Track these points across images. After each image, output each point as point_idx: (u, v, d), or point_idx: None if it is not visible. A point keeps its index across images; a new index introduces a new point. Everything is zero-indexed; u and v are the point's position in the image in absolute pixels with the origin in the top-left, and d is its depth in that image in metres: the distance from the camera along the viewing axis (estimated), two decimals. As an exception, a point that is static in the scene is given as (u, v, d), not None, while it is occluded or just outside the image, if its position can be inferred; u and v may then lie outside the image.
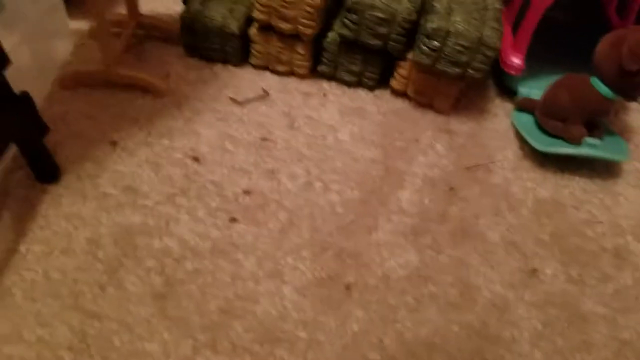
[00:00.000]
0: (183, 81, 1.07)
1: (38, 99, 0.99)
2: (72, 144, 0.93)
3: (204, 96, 1.04)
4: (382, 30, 0.97)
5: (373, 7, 0.94)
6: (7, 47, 0.76)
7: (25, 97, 0.79)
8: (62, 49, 1.10)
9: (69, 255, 0.79)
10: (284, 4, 0.97)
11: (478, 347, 0.74)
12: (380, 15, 0.95)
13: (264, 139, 0.99)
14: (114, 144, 0.94)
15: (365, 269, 0.81)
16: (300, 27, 1.00)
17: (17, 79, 0.76)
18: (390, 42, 0.99)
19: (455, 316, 0.77)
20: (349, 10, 0.96)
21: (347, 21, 0.98)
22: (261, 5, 0.99)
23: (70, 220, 0.83)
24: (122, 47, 1.02)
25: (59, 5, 1.08)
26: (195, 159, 0.94)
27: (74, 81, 0.96)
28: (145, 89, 1.01)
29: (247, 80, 1.10)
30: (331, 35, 1.04)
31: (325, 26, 1.04)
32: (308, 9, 0.97)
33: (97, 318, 0.72)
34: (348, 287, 0.78)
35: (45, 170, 0.87)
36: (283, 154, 0.97)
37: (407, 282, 0.80)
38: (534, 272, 0.84)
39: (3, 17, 0.97)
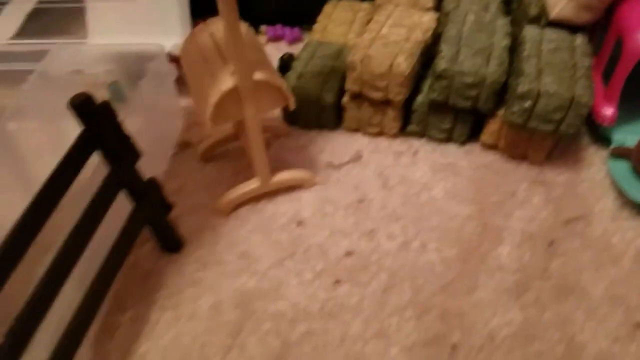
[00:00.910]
0: (284, 150, 1.15)
1: (157, 175, 1.12)
2: (191, 215, 1.04)
3: (302, 162, 1.12)
4: (472, 93, 1.01)
5: (462, 73, 0.99)
6: (132, 133, 0.88)
7: (154, 183, 0.90)
8: (175, 126, 1.23)
9: (195, 321, 0.87)
10: (375, 76, 1.04)
11: (591, 408, 0.75)
12: (469, 80, 0.99)
13: (361, 201, 1.05)
14: (228, 212, 1.04)
15: (470, 328, 0.83)
16: (391, 94, 1.06)
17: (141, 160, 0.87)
18: (480, 103, 1.03)
19: (564, 376, 0.78)
20: (439, 77, 1.01)
21: (436, 87, 1.03)
22: (353, 78, 1.06)
23: (194, 287, 0.92)
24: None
25: (171, 86, 1.22)
26: (299, 223, 1.01)
27: (234, 206, 1.04)
28: (299, 187, 1.07)
29: (341, 143, 1.17)
30: (420, 99, 1.09)
31: (414, 89, 1.10)
32: (397, 79, 1.03)
33: (225, 380, 0.80)
34: (454, 348, 0.81)
35: (169, 242, 0.98)
36: (380, 214, 1.02)
37: (512, 341, 0.82)
38: (638, 325, 0.83)
39: (126, 106, 1.11)
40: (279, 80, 0.89)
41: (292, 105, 0.91)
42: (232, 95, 0.87)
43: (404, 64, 1.02)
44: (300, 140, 1.18)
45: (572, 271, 0.90)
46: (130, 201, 0.88)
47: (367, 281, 0.91)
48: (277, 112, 1.23)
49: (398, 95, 1.06)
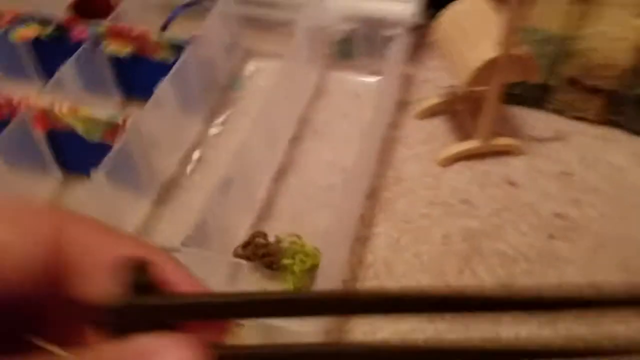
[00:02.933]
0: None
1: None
2: (413, 163, 1.23)
3: (507, 133, 1.28)
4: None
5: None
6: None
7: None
8: (398, 87, 1.41)
9: (430, 245, 1.07)
10: (598, 66, 1.18)
11: None
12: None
13: (564, 173, 1.20)
14: (446, 165, 1.22)
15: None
16: (607, 84, 1.20)
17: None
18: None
19: None
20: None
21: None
22: (575, 65, 1.21)
23: (425, 219, 1.12)
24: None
25: (404, 51, 1.39)
26: (511, 184, 1.18)
27: (453, 160, 1.21)
28: (509, 153, 1.23)
29: (543, 121, 1.32)
30: (634, 92, 1.22)
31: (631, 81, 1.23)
32: (620, 70, 1.16)
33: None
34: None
35: (404, 180, 1.17)
36: (582, 186, 1.17)
37: None
38: None
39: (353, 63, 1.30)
40: (532, 57, 1.06)
41: (537, 79, 1.08)
42: (490, 64, 1.04)
43: (628, 57, 1.15)
44: (503, 113, 1.34)
45: None
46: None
47: (577, 239, 1.07)
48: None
49: (614, 85, 1.19)
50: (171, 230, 1.04)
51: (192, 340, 0.33)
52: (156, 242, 1.01)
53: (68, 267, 0.31)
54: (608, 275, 1.01)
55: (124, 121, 0.95)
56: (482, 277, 1.01)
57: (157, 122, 1.01)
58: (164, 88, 1.02)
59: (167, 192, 1.09)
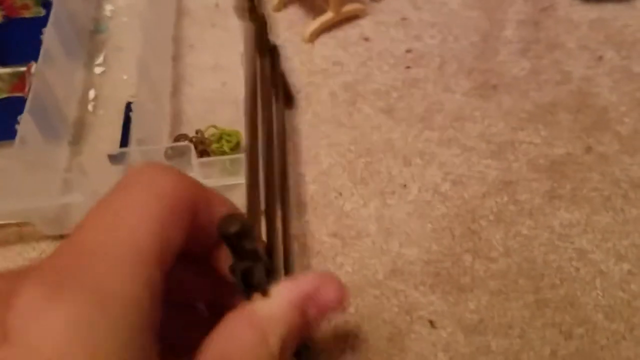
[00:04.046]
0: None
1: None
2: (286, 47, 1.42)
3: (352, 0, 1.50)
4: None
5: None
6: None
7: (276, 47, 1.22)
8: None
9: (320, 103, 1.28)
10: None
11: None
12: None
13: (404, 19, 1.46)
14: (312, 40, 1.42)
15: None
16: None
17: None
18: None
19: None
20: None
21: None
22: None
23: (311, 85, 1.32)
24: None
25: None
26: (366, 39, 1.42)
27: (317, 35, 1.41)
28: (357, 16, 1.44)
29: (375, -15, 1.55)
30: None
31: None
32: None
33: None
34: (494, 88, 1.27)
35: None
36: (419, 24, 1.43)
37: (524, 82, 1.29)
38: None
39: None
40: None
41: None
42: None
43: None
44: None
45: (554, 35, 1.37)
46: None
47: (427, 64, 1.34)
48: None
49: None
50: (96, 162, 1.14)
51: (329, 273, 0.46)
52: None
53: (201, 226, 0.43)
54: (458, 81, 1.30)
55: (28, 69, 1.02)
56: (368, 112, 1.26)
57: (50, 71, 1.09)
58: (48, 37, 1.10)
59: (78, 131, 1.18)
